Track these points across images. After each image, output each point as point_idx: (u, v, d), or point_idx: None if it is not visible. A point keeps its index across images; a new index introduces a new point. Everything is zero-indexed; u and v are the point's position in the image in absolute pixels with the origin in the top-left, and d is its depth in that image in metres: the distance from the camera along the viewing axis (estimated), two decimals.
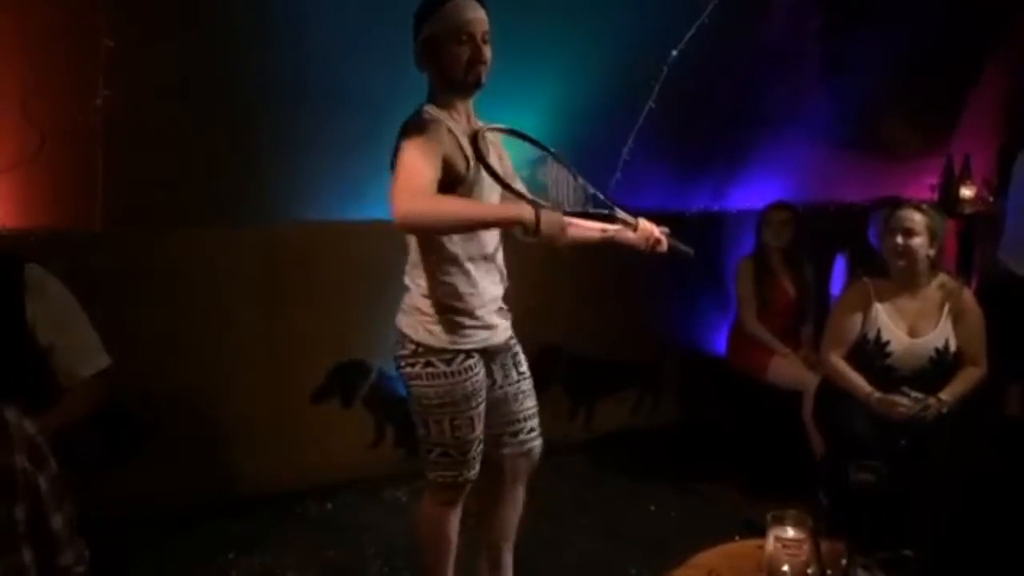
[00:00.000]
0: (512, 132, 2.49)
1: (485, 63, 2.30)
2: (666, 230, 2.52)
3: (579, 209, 2.39)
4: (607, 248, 2.63)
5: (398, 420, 3.89)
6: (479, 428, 2.46)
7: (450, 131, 2.30)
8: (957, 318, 3.20)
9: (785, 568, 1.98)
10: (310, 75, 3.22)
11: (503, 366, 2.54)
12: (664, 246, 2.51)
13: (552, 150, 2.47)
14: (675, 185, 4.51)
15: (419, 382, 2.40)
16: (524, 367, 2.60)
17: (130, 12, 2.99)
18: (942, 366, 3.18)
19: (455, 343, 2.37)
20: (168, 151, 3.25)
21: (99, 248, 3.27)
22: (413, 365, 2.40)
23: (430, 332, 2.36)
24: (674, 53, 3.99)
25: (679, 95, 4.09)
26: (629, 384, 4.61)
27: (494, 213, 2.30)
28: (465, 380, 2.39)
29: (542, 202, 2.27)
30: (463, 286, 2.37)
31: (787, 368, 4.02)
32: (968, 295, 3.26)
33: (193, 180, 3.35)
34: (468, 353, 2.39)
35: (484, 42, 2.30)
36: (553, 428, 4.35)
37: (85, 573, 1.67)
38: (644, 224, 2.47)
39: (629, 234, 2.48)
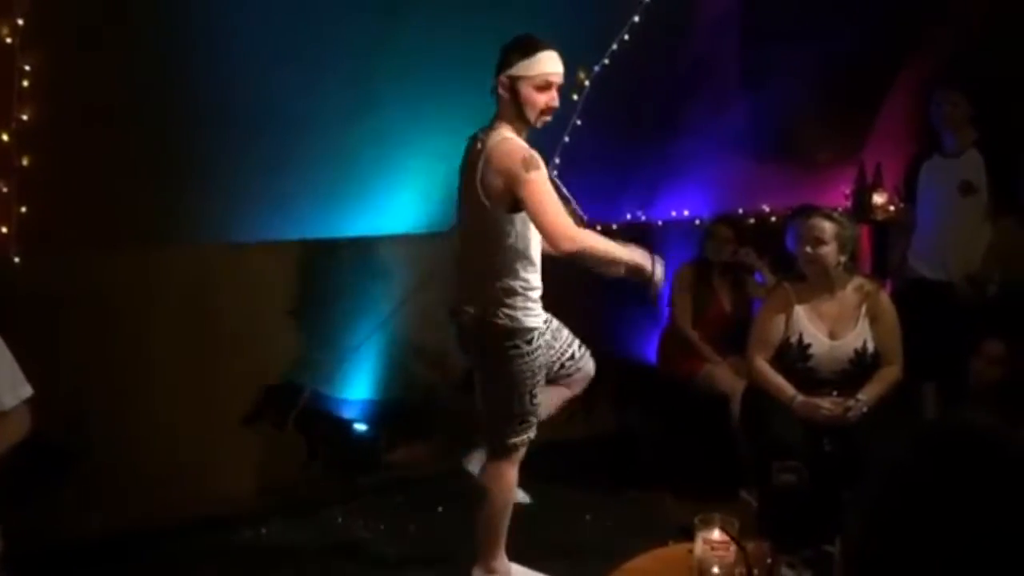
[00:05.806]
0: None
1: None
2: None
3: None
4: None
5: (331, 441, 3.87)
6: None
7: None
8: (874, 319, 3.30)
9: (715, 569, 2.04)
10: (234, 95, 3.20)
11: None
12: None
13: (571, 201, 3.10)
14: (602, 196, 4.57)
15: (516, 363, 2.83)
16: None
17: (47, 33, 2.93)
18: (861, 367, 3.28)
19: (534, 324, 2.86)
20: (88, 175, 3.18)
21: (15, 275, 3.18)
22: (509, 349, 2.83)
23: (514, 319, 2.82)
24: (596, 68, 4.06)
25: (602, 109, 4.16)
26: None
27: (625, 255, 2.84)
28: (541, 355, 2.90)
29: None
30: (535, 280, 2.87)
31: (716, 375, 4.09)
32: (884, 296, 3.38)
33: (114, 203, 3.28)
34: (540, 332, 2.89)
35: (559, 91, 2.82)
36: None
37: None
38: (659, 272, 2.88)
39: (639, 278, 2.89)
